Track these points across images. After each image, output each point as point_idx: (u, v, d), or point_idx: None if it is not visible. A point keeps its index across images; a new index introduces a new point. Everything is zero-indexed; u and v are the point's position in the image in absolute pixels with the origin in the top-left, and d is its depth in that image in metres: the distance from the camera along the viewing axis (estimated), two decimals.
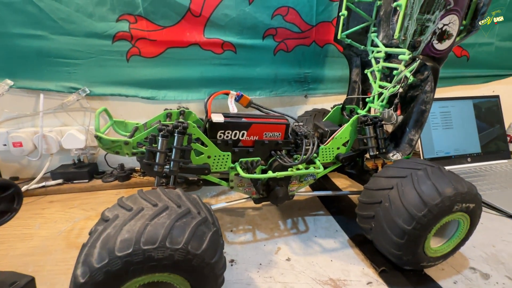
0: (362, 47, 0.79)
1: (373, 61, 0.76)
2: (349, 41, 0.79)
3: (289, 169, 0.62)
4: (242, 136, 0.61)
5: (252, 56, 0.94)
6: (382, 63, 0.71)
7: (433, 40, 0.60)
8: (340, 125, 0.73)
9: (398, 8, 0.58)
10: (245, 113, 0.64)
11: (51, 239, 0.67)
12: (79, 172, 0.92)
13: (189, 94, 0.94)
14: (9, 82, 0.81)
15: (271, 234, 0.70)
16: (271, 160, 0.65)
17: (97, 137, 0.56)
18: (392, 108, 0.68)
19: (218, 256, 0.41)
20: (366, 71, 0.79)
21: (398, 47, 0.64)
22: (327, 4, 0.93)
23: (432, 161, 0.69)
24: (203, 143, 0.59)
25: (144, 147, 0.58)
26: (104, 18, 0.81)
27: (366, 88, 0.84)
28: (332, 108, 0.83)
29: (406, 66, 0.64)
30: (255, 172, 0.62)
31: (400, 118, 0.69)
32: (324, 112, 0.91)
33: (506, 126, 1.13)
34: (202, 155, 0.59)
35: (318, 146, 0.66)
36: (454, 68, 1.13)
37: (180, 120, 0.57)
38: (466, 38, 0.66)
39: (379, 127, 0.67)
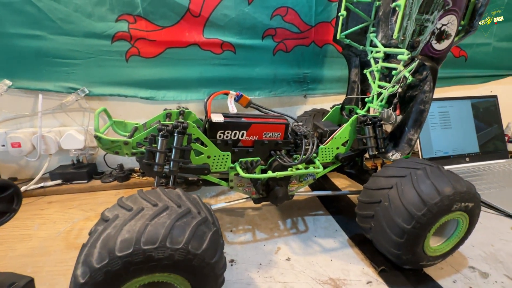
0: (361, 47, 0.79)
1: (372, 61, 0.76)
2: (348, 41, 0.79)
3: (289, 169, 0.62)
4: (242, 136, 0.61)
5: (251, 56, 0.94)
6: (381, 63, 0.71)
7: (432, 40, 0.61)
8: (340, 125, 0.73)
9: (397, 9, 0.58)
10: (244, 113, 0.64)
11: (50, 240, 0.67)
12: (78, 172, 0.91)
13: (188, 94, 0.94)
14: (8, 82, 0.81)
15: (271, 234, 0.70)
16: (270, 160, 0.65)
17: (96, 137, 0.56)
18: (391, 108, 0.68)
19: (218, 256, 0.41)
20: (365, 71, 0.79)
21: (397, 47, 0.65)
22: (326, 4, 0.93)
23: (431, 161, 0.70)
24: (202, 143, 0.59)
25: (143, 147, 0.58)
26: (103, 18, 0.81)
27: (365, 88, 0.84)
28: (331, 108, 0.83)
29: (405, 66, 0.64)
30: (254, 172, 0.62)
31: (399, 118, 0.69)
32: (323, 112, 0.91)
33: (504, 125, 1.13)
34: (202, 155, 0.59)
35: (318, 146, 0.66)
36: (453, 68, 1.14)
37: (180, 120, 0.57)
38: (464, 38, 0.67)
39: (378, 127, 0.68)
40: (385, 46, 0.70)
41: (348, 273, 0.57)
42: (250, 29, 0.90)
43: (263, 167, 0.64)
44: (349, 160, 0.70)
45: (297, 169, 0.63)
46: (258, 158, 0.62)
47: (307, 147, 0.63)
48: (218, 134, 0.60)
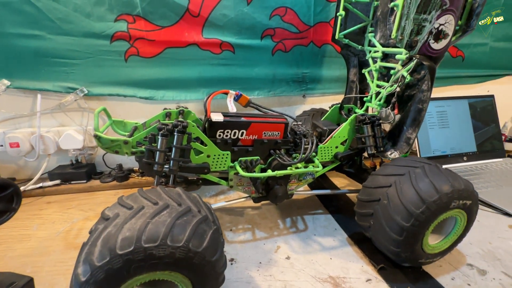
0: (360, 47, 0.80)
1: (370, 61, 0.76)
2: (346, 41, 0.79)
3: (288, 168, 0.62)
4: (242, 135, 0.62)
5: (250, 56, 0.94)
6: (379, 63, 0.72)
7: (430, 40, 0.61)
8: (339, 125, 0.73)
9: (395, 8, 0.58)
10: (244, 113, 0.64)
11: (49, 240, 0.67)
12: (77, 172, 0.91)
13: (188, 94, 0.94)
14: (6, 82, 0.81)
15: (271, 233, 0.70)
16: (270, 159, 0.65)
17: (96, 136, 0.56)
18: (389, 107, 0.69)
19: (218, 254, 0.41)
20: (363, 70, 0.80)
21: (395, 46, 0.65)
22: (324, 4, 0.93)
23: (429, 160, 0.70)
24: (202, 142, 0.59)
25: (143, 146, 0.58)
26: (102, 18, 0.81)
27: (363, 87, 0.85)
28: (330, 107, 0.84)
29: (403, 65, 0.65)
30: (254, 171, 0.62)
31: (398, 117, 0.69)
32: (322, 111, 0.91)
33: (501, 125, 1.14)
34: (202, 154, 0.59)
35: (317, 145, 0.67)
36: (450, 68, 1.14)
37: (180, 119, 0.57)
38: (461, 38, 0.67)
39: (377, 126, 0.68)
40: (383, 45, 0.71)
41: (348, 271, 0.58)
42: (249, 29, 0.91)
43: (263, 166, 0.65)
44: (348, 159, 0.71)
45: (297, 168, 0.63)
46: (258, 157, 0.62)
47: (306, 146, 0.63)
48: (218, 133, 0.60)
